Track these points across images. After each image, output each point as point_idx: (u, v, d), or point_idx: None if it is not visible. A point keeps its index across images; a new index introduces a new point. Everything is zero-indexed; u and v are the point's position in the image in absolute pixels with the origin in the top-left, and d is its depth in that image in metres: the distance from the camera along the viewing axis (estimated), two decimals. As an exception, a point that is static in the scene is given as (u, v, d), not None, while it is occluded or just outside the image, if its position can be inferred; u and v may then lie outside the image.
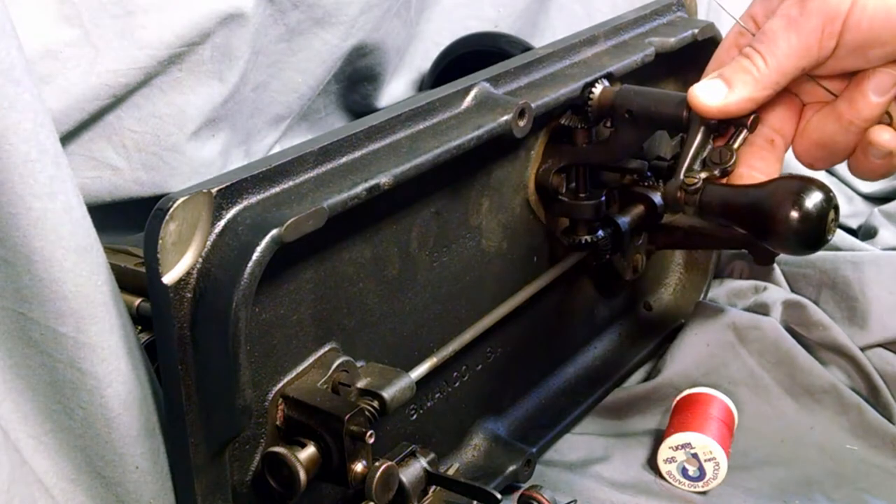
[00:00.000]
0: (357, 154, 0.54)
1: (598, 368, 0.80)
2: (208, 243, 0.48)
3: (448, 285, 0.64)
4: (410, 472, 0.56)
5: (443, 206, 0.62)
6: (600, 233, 0.71)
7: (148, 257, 0.47)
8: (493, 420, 0.72)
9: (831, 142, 0.56)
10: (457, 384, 0.68)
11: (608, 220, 0.72)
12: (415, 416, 0.64)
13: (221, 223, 0.48)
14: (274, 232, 0.47)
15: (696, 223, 0.77)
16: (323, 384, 0.54)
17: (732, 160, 0.58)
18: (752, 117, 0.57)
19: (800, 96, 0.58)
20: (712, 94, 0.56)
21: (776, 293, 0.85)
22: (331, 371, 0.54)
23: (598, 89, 0.66)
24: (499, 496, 0.56)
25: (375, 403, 0.53)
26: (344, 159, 0.53)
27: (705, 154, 0.59)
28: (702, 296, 0.87)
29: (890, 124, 0.56)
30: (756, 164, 0.57)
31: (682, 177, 0.58)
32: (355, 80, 0.89)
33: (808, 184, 0.53)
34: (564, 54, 0.69)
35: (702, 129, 0.59)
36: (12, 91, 0.47)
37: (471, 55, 0.92)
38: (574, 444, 0.75)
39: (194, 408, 0.49)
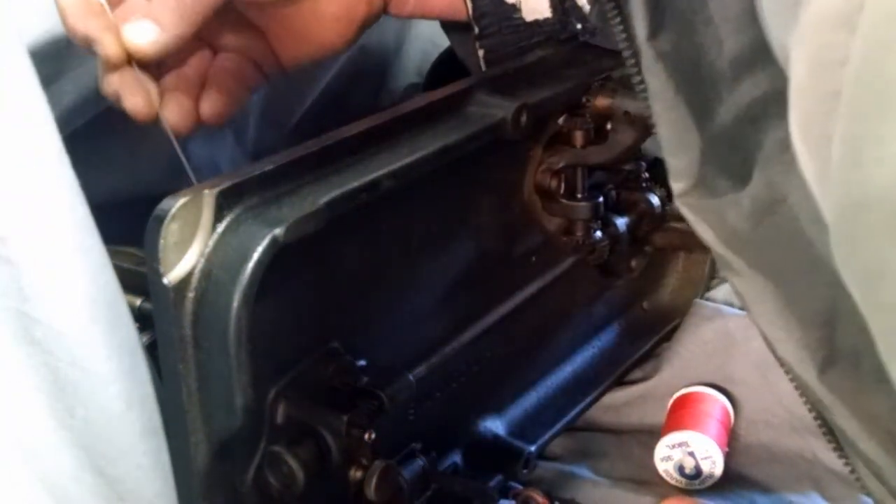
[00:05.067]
0: (357, 154, 0.54)
1: (597, 368, 0.81)
2: (210, 243, 0.48)
3: (447, 285, 0.64)
4: (410, 472, 0.56)
5: (442, 206, 0.62)
6: (598, 233, 0.72)
7: (149, 257, 0.47)
8: (492, 419, 0.72)
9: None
10: (456, 383, 0.68)
11: (606, 221, 0.73)
12: (414, 416, 0.65)
13: (223, 223, 0.48)
14: (275, 232, 0.47)
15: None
16: (323, 383, 0.54)
17: None
18: None
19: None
20: (144, 35, 0.54)
21: (773, 293, 0.85)
22: (331, 370, 0.54)
23: (596, 90, 0.66)
24: (497, 495, 0.56)
25: (375, 403, 0.53)
26: (344, 160, 0.53)
27: None
28: (699, 296, 0.87)
29: None
30: None
31: None
32: (355, 81, 0.89)
33: None
34: (564, 56, 0.69)
35: None
36: (13, 90, 0.47)
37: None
38: (572, 443, 0.75)
39: (195, 407, 0.49)
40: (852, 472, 0.47)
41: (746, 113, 0.42)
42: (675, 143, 0.45)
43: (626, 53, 0.46)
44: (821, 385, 0.43)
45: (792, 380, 0.46)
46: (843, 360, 0.42)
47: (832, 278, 0.35)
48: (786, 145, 0.35)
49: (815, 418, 0.48)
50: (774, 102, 0.38)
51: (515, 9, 0.68)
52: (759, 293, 0.45)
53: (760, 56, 0.36)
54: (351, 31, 0.65)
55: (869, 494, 0.47)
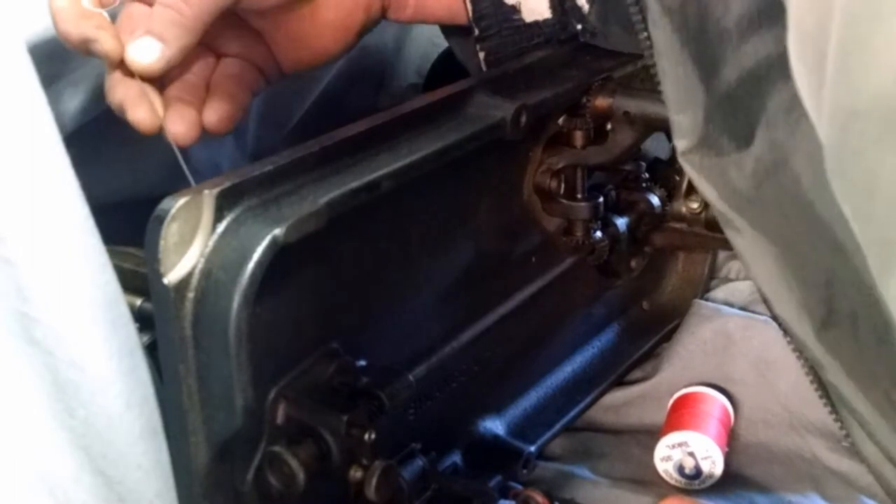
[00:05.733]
0: (357, 155, 0.54)
1: (596, 368, 0.81)
2: (210, 244, 0.48)
3: (447, 285, 0.64)
4: (410, 471, 0.56)
5: (442, 206, 0.62)
6: (598, 234, 0.72)
7: (149, 258, 0.47)
8: (492, 419, 0.72)
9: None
10: (455, 383, 0.68)
11: (606, 221, 0.73)
12: (414, 416, 0.65)
13: (223, 224, 0.48)
14: (275, 232, 0.47)
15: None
16: (323, 383, 0.54)
17: None
18: None
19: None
20: (148, 53, 0.54)
21: (773, 293, 0.85)
22: (331, 370, 0.54)
23: (596, 91, 0.67)
24: (497, 495, 0.56)
25: (375, 403, 0.53)
26: (344, 160, 0.53)
27: None
28: (699, 296, 0.87)
29: None
30: None
31: (682, 198, 0.58)
32: (355, 81, 0.89)
33: None
34: (563, 56, 0.69)
35: None
36: (14, 91, 0.47)
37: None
38: (572, 443, 0.75)
39: (195, 407, 0.49)
40: (847, 436, 0.47)
41: (751, 73, 0.42)
42: (681, 100, 0.45)
43: (632, 9, 0.46)
44: (818, 344, 0.43)
45: (788, 339, 0.46)
46: (841, 321, 0.42)
47: (833, 242, 0.35)
48: (790, 107, 0.35)
49: (812, 381, 0.48)
50: (779, 64, 0.38)
51: (515, 10, 0.68)
52: (759, 252, 0.45)
53: (766, 17, 0.36)
54: (349, 37, 0.65)
55: (863, 461, 0.47)
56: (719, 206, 0.46)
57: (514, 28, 0.69)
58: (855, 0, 0.29)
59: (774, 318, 0.46)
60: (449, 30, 0.73)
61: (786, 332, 0.45)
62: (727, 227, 0.46)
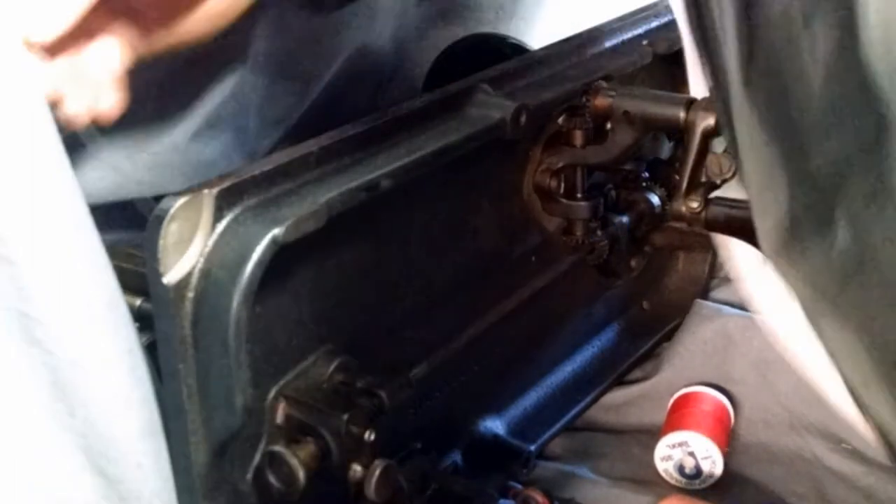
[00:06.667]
0: (357, 154, 0.54)
1: (596, 367, 0.81)
2: (209, 243, 0.48)
3: (447, 285, 0.64)
4: (409, 471, 0.56)
5: (442, 206, 0.62)
6: (598, 233, 0.72)
7: (149, 257, 0.47)
8: (492, 418, 0.72)
9: None
10: (456, 383, 0.68)
11: (606, 221, 0.73)
12: (414, 416, 0.65)
13: (222, 223, 0.48)
14: (274, 232, 0.47)
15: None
16: (323, 383, 0.54)
17: (732, 170, 0.58)
18: None
19: None
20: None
21: (773, 293, 0.85)
22: (331, 370, 0.54)
23: (595, 90, 0.67)
24: (497, 495, 0.56)
25: (375, 402, 0.53)
26: (344, 160, 0.53)
27: (706, 162, 0.59)
28: (699, 295, 0.87)
29: None
30: None
31: (682, 198, 0.58)
32: (355, 81, 0.89)
33: None
34: (562, 56, 0.69)
35: (700, 133, 0.59)
36: (14, 91, 0.47)
37: (469, 57, 0.93)
38: (572, 443, 0.75)
39: (195, 407, 0.49)
40: None
41: (837, 167, 0.42)
42: (764, 191, 0.45)
43: (717, 106, 0.46)
44: None
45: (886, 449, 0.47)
46: None
47: None
48: (872, 199, 0.36)
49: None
50: (862, 156, 0.38)
51: None
52: (848, 343, 0.45)
53: (849, 110, 0.36)
54: (231, 20, 0.63)
55: None
56: (807, 298, 0.46)
57: None
58: None
59: (861, 407, 0.47)
60: None
61: (870, 420, 0.46)
62: (816, 321, 0.46)
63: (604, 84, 0.67)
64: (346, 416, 0.50)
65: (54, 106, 0.54)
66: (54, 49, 0.53)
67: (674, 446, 0.70)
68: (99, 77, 0.56)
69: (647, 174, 0.76)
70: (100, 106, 0.56)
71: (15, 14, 0.51)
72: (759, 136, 0.44)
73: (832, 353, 0.46)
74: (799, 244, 0.45)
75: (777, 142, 0.43)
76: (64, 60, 0.54)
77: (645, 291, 0.88)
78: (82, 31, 0.56)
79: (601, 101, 0.67)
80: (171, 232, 0.46)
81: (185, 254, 0.47)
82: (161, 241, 0.46)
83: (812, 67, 0.42)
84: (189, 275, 0.48)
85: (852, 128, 0.35)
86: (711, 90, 0.46)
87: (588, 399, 0.78)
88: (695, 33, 0.44)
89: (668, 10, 0.78)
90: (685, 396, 0.75)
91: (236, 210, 0.49)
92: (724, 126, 0.46)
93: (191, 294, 0.48)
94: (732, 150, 0.45)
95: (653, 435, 0.74)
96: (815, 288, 0.45)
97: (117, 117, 0.57)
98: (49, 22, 0.52)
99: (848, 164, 0.37)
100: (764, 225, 0.46)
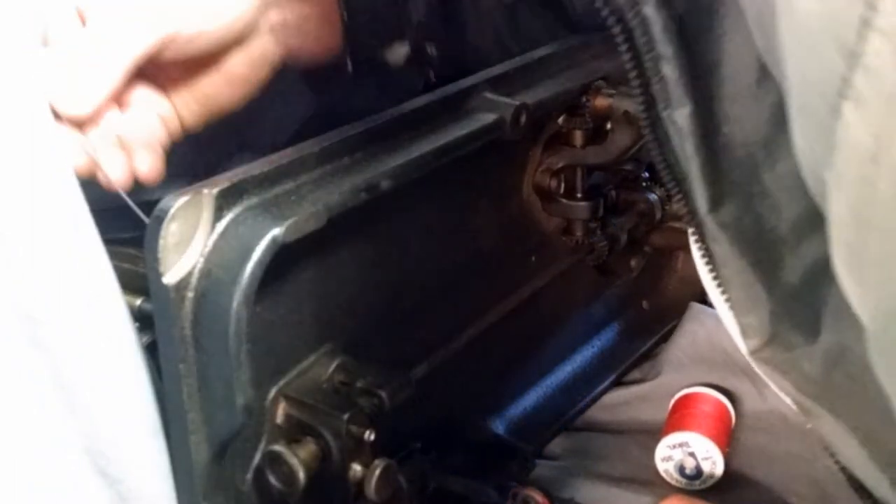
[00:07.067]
0: (357, 155, 0.54)
1: (596, 367, 0.81)
2: (209, 243, 0.48)
3: (447, 285, 0.64)
4: (409, 471, 0.56)
5: (442, 206, 0.62)
6: (598, 233, 0.72)
7: (149, 257, 0.47)
8: (492, 418, 0.72)
9: None
10: (456, 383, 0.68)
11: (605, 221, 0.73)
12: (414, 415, 0.65)
13: (222, 223, 0.48)
14: (274, 232, 0.47)
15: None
16: (323, 383, 0.54)
17: None
18: None
19: None
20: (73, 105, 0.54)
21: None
22: (331, 370, 0.54)
23: (595, 91, 0.67)
24: (497, 495, 0.56)
25: (375, 402, 0.53)
26: (344, 160, 0.54)
27: None
28: (698, 296, 0.87)
29: None
30: None
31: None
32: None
33: None
34: (562, 56, 0.69)
35: None
36: (15, 92, 0.47)
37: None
38: (572, 443, 0.75)
39: (195, 407, 0.49)
40: None
41: (811, 272, 0.44)
42: (745, 304, 0.47)
43: (690, 228, 0.48)
44: None
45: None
46: None
47: None
48: (846, 304, 0.37)
49: None
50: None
51: (385, 62, 0.70)
52: (843, 439, 0.47)
53: (817, 220, 0.37)
54: (253, 90, 0.64)
55: None
56: (796, 397, 0.48)
57: None
58: (891, 217, 0.30)
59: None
60: None
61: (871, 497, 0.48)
62: (809, 417, 0.48)
63: (603, 84, 0.67)
64: (346, 416, 0.50)
65: (91, 172, 0.55)
66: (88, 121, 0.54)
67: (674, 447, 0.70)
68: (135, 146, 0.57)
69: (646, 174, 0.76)
70: (140, 169, 0.57)
71: (47, 91, 0.51)
72: (732, 250, 0.46)
73: (828, 440, 0.49)
74: (785, 347, 0.47)
75: (753, 260, 0.46)
76: (99, 130, 0.56)
77: (644, 291, 0.88)
78: (117, 102, 0.57)
79: (601, 102, 0.67)
80: (171, 232, 0.46)
81: (185, 254, 0.47)
82: (161, 241, 0.46)
83: (776, 185, 0.44)
84: (189, 275, 0.48)
85: (824, 236, 0.37)
86: (687, 220, 0.48)
87: (587, 399, 0.78)
88: (660, 164, 0.46)
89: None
90: (686, 397, 0.75)
91: (236, 210, 0.49)
92: (702, 256, 0.48)
93: (191, 294, 0.48)
94: (708, 260, 0.48)
95: (652, 435, 0.74)
96: (803, 379, 0.47)
97: (158, 180, 0.58)
98: (82, 99, 0.53)
99: (825, 268, 0.38)
100: (751, 341, 0.48)
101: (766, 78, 0.41)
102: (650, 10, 0.43)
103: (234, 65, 0.62)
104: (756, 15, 0.38)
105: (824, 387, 0.46)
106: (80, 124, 0.54)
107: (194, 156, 0.67)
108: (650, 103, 0.45)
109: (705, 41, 0.43)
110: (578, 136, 0.68)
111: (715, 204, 0.45)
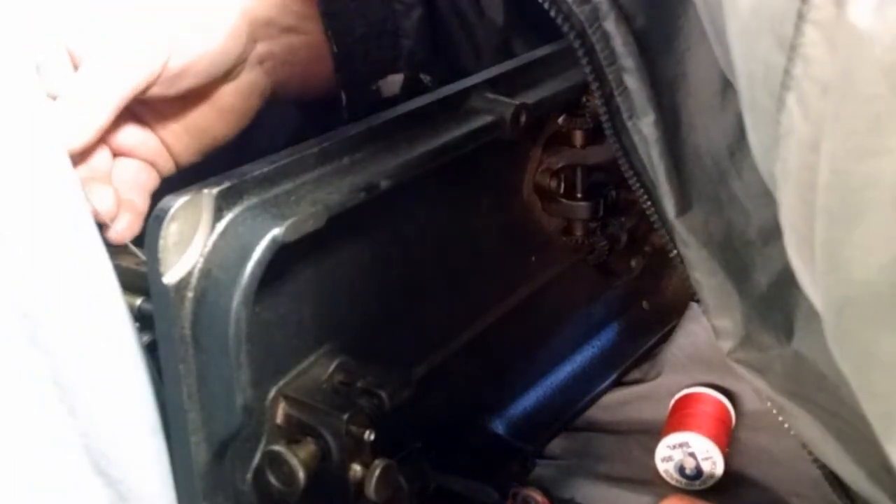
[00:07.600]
0: (357, 155, 0.54)
1: (596, 367, 0.81)
2: (209, 243, 0.48)
3: (447, 285, 0.64)
4: (409, 471, 0.56)
5: (442, 206, 0.62)
6: (598, 233, 0.72)
7: (149, 257, 0.47)
8: (492, 418, 0.72)
9: None
10: (456, 383, 0.68)
11: (605, 221, 0.73)
12: (414, 415, 0.64)
13: (222, 223, 0.48)
14: (274, 232, 0.47)
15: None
16: (323, 383, 0.54)
17: None
18: None
19: None
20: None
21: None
22: (331, 370, 0.54)
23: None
24: (497, 495, 0.56)
25: (375, 402, 0.53)
26: (343, 160, 0.54)
27: None
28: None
29: None
30: None
31: None
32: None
33: None
34: (562, 56, 0.69)
35: None
36: (15, 92, 0.47)
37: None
38: (572, 443, 0.75)
39: (195, 407, 0.49)
40: None
41: (781, 276, 0.45)
42: (718, 307, 0.48)
43: (661, 232, 0.49)
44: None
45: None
46: None
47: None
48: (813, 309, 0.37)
49: None
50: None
51: (378, 92, 0.71)
52: (819, 434, 0.48)
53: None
54: (244, 121, 0.65)
55: None
56: (772, 396, 0.49)
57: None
58: (832, 202, 0.31)
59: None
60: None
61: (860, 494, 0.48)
62: (785, 415, 0.49)
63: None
64: (346, 416, 0.50)
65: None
66: (75, 159, 0.54)
67: (674, 447, 0.70)
68: (128, 186, 0.58)
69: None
70: (115, 229, 0.57)
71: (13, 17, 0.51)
72: (701, 254, 0.47)
73: (804, 437, 0.50)
74: (758, 348, 0.48)
75: (724, 263, 0.47)
76: (90, 165, 0.56)
77: (644, 291, 0.88)
78: (106, 143, 0.58)
79: (601, 101, 0.67)
80: (171, 232, 0.46)
81: (185, 254, 0.47)
82: (161, 241, 0.46)
83: (743, 191, 0.44)
84: (189, 275, 0.48)
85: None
86: (657, 225, 0.49)
87: (588, 399, 0.78)
88: (628, 172, 0.47)
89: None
90: (686, 397, 0.75)
91: (236, 210, 0.49)
92: (675, 259, 0.49)
93: (191, 294, 0.48)
94: (682, 262, 0.48)
95: (653, 435, 0.74)
96: (778, 378, 0.48)
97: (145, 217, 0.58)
98: (74, 134, 0.53)
99: (793, 275, 0.38)
100: (726, 343, 0.49)
101: (730, 89, 0.42)
102: (610, 26, 0.44)
103: (225, 97, 0.62)
104: (711, 24, 0.39)
105: (799, 386, 0.46)
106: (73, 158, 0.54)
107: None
108: (614, 113, 0.46)
109: (669, 55, 0.45)
110: (578, 136, 0.68)
111: (682, 209, 0.46)
